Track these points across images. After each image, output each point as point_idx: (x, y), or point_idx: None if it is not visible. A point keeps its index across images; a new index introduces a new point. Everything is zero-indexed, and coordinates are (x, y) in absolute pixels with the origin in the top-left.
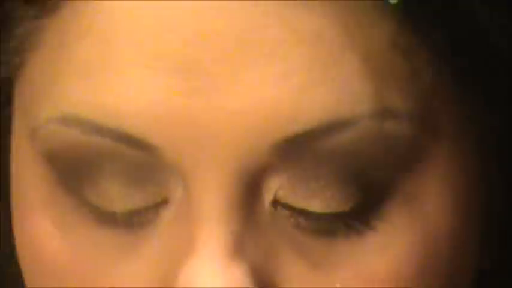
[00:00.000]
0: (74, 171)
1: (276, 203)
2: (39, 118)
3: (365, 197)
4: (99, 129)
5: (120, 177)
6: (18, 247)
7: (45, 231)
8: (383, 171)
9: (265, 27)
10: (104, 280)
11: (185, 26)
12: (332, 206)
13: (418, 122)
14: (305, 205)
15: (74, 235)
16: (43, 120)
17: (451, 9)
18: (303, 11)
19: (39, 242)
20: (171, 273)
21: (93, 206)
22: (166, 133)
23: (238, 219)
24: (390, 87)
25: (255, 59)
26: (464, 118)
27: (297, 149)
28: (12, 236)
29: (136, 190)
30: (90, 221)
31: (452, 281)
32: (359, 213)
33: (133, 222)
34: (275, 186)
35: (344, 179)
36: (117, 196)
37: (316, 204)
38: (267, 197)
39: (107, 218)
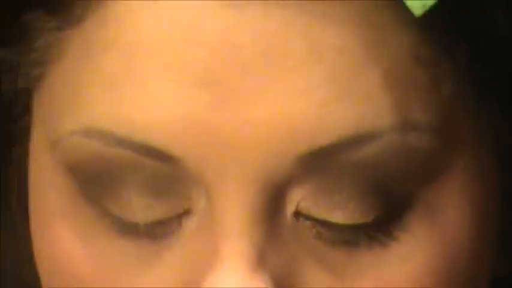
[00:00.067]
0: (96, 182)
1: (298, 214)
2: (61, 129)
3: (387, 208)
4: (122, 142)
5: (143, 188)
6: (38, 256)
7: (66, 241)
8: (404, 183)
9: (288, 41)
10: None
11: (210, 39)
12: (354, 218)
13: (438, 133)
14: (327, 216)
15: (95, 245)
16: (65, 132)
17: (471, 20)
18: (326, 25)
19: (60, 252)
20: (194, 284)
21: (115, 217)
22: (190, 145)
23: (261, 231)
24: (411, 99)
25: (279, 73)
26: (481, 128)
27: (320, 161)
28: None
29: (159, 201)
30: (112, 231)
31: None
32: (381, 224)
33: (155, 232)
34: (297, 198)
35: (366, 191)
36: (140, 207)
37: (339, 216)
38: (289, 208)
39: (129, 229)
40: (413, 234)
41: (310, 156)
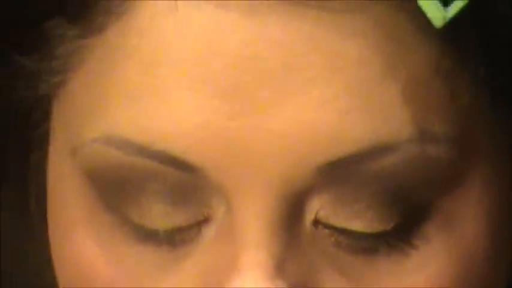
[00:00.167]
0: (115, 190)
1: (317, 222)
2: (82, 137)
3: (406, 217)
4: (142, 151)
5: (163, 196)
6: (57, 260)
7: (86, 247)
8: (423, 193)
9: (308, 52)
10: None
11: (230, 49)
12: (373, 226)
13: (457, 144)
14: (346, 225)
15: (115, 252)
16: (86, 139)
17: (490, 31)
18: (345, 37)
19: (80, 259)
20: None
21: (134, 224)
22: (210, 155)
23: (279, 241)
24: (430, 110)
25: (298, 84)
26: (497, 138)
27: (339, 172)
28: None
29: (179, 209)
30: (132, 239)
31: None
32: (400, 233)
33: (175, 240)
34: (316, 207)
35: (385, 201)
36: (159, 215)
37: (358, 224)
38: (308, 217)
39: (148, 236)
40: (431, 243)
41: (329, 166)
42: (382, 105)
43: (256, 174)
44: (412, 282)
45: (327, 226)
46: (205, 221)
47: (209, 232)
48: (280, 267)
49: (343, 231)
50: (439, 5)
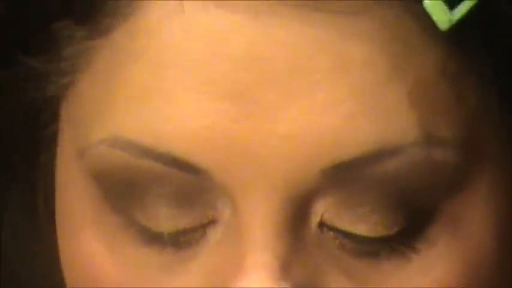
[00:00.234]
0: (121, 192)
1: (322, 225)
2: (89, 138)
3: (410, 221)
4: (147, 152)
5: (168, 198)
6: (64, 261)
7: (92, 248)
8: (428, 197)
9: (313, 55)
10: None
11: (235, 52)
12: (377, 230)
13: (463, 147)
14: (351, 228)
15: (121, 254)
16: (93, 140)
17: (496, 33)
18: (351, 40)
19: (87, 259)
20: None
21: (140, 226)
22: (215, 157)
23: (285, 243)
24: (436, 113)
25: (303, 86)
26: (504, 139)
27: (344, 175)
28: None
29: (184, 211)
30: (138, 241)
31: None
32: (404, 237)
33: (180, 242)
34: (322, 210)
35: (390, 204)
36: (165, 217)
37: (362, 228)
38: (314, 220)
39: (154, 238)
40: (435, 247)
41: (333, 169)
42: (387, 108)
43: (261, 177)
44: (415, 284)
45: (331, 229)
46: (210, 223)
47: (214, 234)
48: (285, 269)
49: (347, 235)
50: (444, 7)
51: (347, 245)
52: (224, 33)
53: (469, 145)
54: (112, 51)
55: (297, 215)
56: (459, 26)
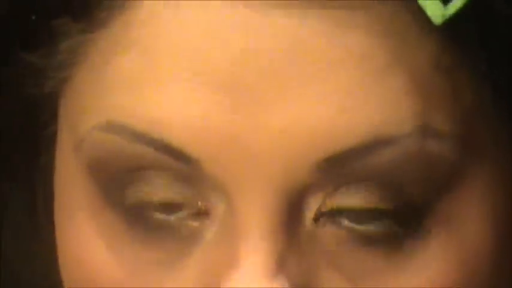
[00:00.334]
0: (116, 183)
1: (317, 219)
2: (83, 128)
3: (405, 217)
4: (141, 138)
5: (163, 188)
6: (61, 258)
7: (90, 247)
8: (423, 190)
9: (311, 46)
10: None
11: (231, 43)
12: (373, 224)
13: (459, 140)
14: (346, 223)
15: (119, 250)
16: (87, 128)
17: (491, 27)
18: (349, 31)
19: (82, 256)
20: (214, 285)
21: (135, 221)
22: (207, 147)
23: (280, 239)
24: (431, 106)
25: (300, 78)
26: (499, 134)
27: (338, 167)
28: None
29: (178, 200)
30: (135, 237)
31: None
32: (398, 234)
33: (176, 237)
34: (317, 204)
35: (384, 197)
36: (159, 208)
37: (356, 222)
38: (308, 215)
39: (150, 233)
40: (431, 244)
41: (328, 162)
42: (383, 100)
43: (254, 170)
44: (411, 281)
45: (326, 224)
46: (205, 216)
47: (210, 227)
48: (280, 266)
49: (343, 228)
50: (438, 2)
51: (342, 241)
52: (219, 22)
53: (465, 139)
54: (108, 43)
55: (291, 211)
56: (453, 21)
